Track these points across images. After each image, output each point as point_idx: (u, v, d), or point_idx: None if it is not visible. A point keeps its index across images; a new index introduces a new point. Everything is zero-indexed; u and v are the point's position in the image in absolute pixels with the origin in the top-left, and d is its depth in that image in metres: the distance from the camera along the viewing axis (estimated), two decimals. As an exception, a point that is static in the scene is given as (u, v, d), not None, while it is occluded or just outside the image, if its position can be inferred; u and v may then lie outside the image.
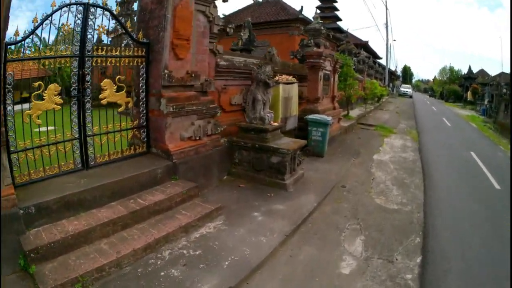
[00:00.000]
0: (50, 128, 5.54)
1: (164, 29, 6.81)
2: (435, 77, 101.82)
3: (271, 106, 9.56)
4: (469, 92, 53.37)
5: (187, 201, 6.43)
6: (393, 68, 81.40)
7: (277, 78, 10.42)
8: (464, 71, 68.42)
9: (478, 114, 36.81)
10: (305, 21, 21.84)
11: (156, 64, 6.98)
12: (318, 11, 14.50)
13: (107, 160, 6.42)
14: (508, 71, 40.90)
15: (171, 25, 6.88)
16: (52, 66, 5.64)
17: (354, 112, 23.33)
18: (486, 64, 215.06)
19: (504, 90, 32.21)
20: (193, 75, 7.44)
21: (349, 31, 42.73)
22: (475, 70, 61.85)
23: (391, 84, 67.80)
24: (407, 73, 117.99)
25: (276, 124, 9.03)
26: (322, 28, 14.36)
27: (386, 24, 57.45)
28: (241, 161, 8.75)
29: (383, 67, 58.86)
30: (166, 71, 6.86)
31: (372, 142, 15.32)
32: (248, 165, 8.65)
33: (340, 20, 37.06)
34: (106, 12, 6.17)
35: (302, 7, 20.35)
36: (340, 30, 35.89)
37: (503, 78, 39.41)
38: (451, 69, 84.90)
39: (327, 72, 14.15)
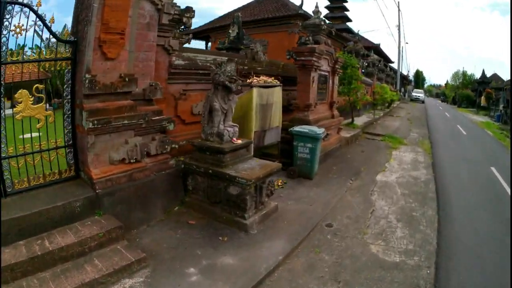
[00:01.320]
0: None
1: (89, 22, 5.21)
2: (447, 81, 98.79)
3: (242, 116, 7.78)
4: (482, 97, 50.28)
5: (107, 245, 4.92)
6: (405, 73, 78.84)
7: (249, 80, 8.20)
8: (477, 75, 65.42)
9: (492, 121, 34.09)
10: (306, 17, 19.24)
11: (80, 67, 5.43)
12: (318, 9, 11.95)
13: (27, 187, 5.22)
14: None
15: (99, 16, 5.24)
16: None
17: (361, 120, 20.74)
18: (500, 68, 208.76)
19: None
20: (127, 79, 5.68)
21: (360, 33, 40.72)
22: (488, 74, 58.68)
23: (402, 89, 65.19)
24: (419, 78, 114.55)
25: (239, 142, 6.68)
26: (323, 23, 11.99)
27: (398, 26, 54.25)
28: (195, 188, 6.67)
29: (395, 71, 55.88)
30: (87, 75, 5.25)
31: (378, 157, 12.68)
32: (203, 194, 6.56)
33: (350, 20, 34.82)
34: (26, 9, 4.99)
35: (302, 1, 17.71)
36: (349, 31, 33.49)
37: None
38: (464, 73, 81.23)
39: (323, 73, 11.74)
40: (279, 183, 8.49)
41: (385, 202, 8.20)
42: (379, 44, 47.72)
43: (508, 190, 9.85)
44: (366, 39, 45.01)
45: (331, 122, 12.01)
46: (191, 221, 6.14)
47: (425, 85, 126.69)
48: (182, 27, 7.48)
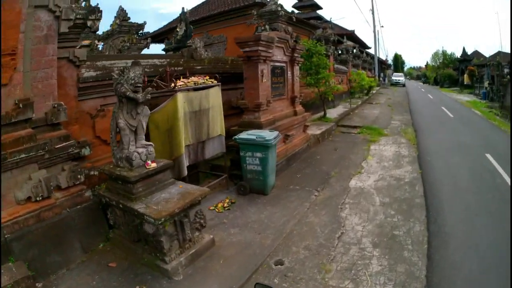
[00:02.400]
0: None
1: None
2: (427, 63, 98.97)
3: (169, 129, 6.58)
4: (465, 75, 49.36)
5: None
6: (383, 57, 78.96)
7: (172, 84, 6.74)
8: (458, 54, 65.11)
9: (478, 99, 32.90)
10: (264, 5, 17.62)
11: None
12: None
13: None
14: (507, 49, 37.03)
15: (-21, 38, 4.47)
16: None
17: (335, 111, 19.16)
18: (480, 45, 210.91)
19: (507, 70, 28.18)
20: (21, 105, 4.93)
21: (334, 21, 39.68)
22: (469, 52, 57.96)
23: (382, 74, 64.78)
24: (398, 61, 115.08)
25: (153, 165, 5.25)
26: (280, 9, 10.73)
27: (372, 9, 53.94)
28: (116, 223, 5.60)
29: (372, 57, 54.94)
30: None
31: (353, 155, 10.99)
32: (124, 230, 5.50)
33: (320, 8, 33.58)
34: None
35: (258, -13, 16.05)
36: (320, 19, 32.15)
37: (502, 57, 35.06)
38: (444, 53, 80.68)
39: (278, 64, 10.08)
40: (225, 204, 7.14)
41: (358, 218, 6.50)
42: (353, 31, 47.36)
43: (510, 182, 8.29)
44: (340, 27, 44.61)
45: (293, 121, 10.32)
46: (112, 264, 5.11)
47: (405, 68, 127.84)
48: (94, 31, 6.47)
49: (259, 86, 8.80)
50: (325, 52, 20.34)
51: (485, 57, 53.83)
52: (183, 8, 11.35)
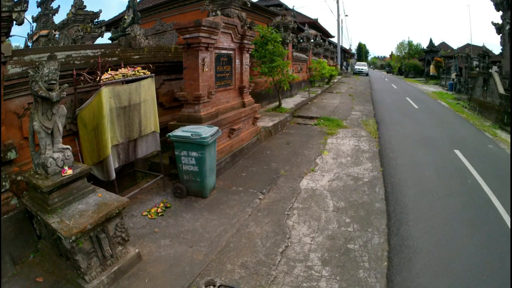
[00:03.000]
0: None
1: None
2: (392, 52, 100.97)
3: (95, 128, 5.93)
4: (431, 66, 51.00)
5: None
6: (347, 47, 79.83)
7: (98, 77, 6.04)
8: (424, 45, 66.77)
9: (445, 90, 33.75)
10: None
11: None
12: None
13: None
14: (478, 42, 38.10)
15: None
16: None
17: (293, 101, 18.52)
18: (447, 37, 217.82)
19: (477, 63, 28.68)
20: None
21: (297, 9, 39.53)
22: (436, 43, 59.31)
23: (345, 63, 65.69)
24: (362, 51, 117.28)
25: (69, 173, 4.70)
26: None
27: (337, -2, 53.56)
28: (42, 234, 5.24)
29: (335, 45, 55.38)
30: None
31: (307, 150, 10.30)
32: (50, 242, 5.01)
33: None
34: None
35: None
36: (281, 6, 31.52)
37: (472, 49, 35.80)
38: (410, 43, 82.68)
39: (225, 51, 9.28)
40: (159, 210, 6.45)
41: (307, 228, 5.76)
42: (316, 19, 47.99)
43: (482, 183, 7.84)
44: (303, 15, 45.46)
45: (240, 113, 9.50)
46: (39, 278, 4.73)
47: (369, 58, 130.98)
48: (20, 24, 5.60)
49: (199, 76, 7.98)
50: (282, 39, 19.80)
51: (452, 49, 55.21)
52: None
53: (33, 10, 20.49)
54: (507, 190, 7.25)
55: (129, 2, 10.94)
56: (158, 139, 7.25)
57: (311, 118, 14.95)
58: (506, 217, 6.28)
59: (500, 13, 19.54)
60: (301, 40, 29.30)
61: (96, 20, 13.45)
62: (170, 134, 6.91)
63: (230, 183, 7.69)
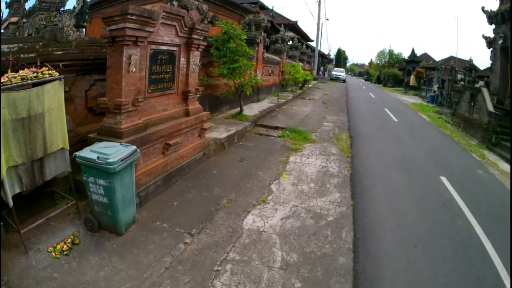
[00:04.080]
0: None
1: None
2: (371, 60, 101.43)
3: None
4: (412, 76, 50.87)
5: None
6: (326, 52, 79.16)
7: None
8: (405, 55, 67.38)
9: (425, 102, 33.24)
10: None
11: None
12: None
13: None
14: (461, 55, 37.94)
15: None
16: None
17: (259, 106, 16.91)
18: (430, 48, 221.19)
19: (462, 76, 27.95)
20: None
21: (276, 10, 38.31)
22: (417, 53, 59.63)
23: (322, 68, 64.95)
24: (341, 57, 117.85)
25: None
26: None
27: (319, 1, 52.44)
28: None
29: (313, 49, 54.46)
30: None
31: (262, 172, 8.61)
32: None
33: None
34: None
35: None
36: (261, 6, 30.02)
37: (456, 62, 35.11)
38: (391, 52, 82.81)
39: (164, 48, 7.55)
40: (65, 247, 5.11)
41: (239, 300, 4.06)
42: (296, 22, 47.20)
43: (475, 224, 6.43)
44: (282, 16, 44.50)
45: (179, 124, 7.80)
46: None
47: (348, 64, 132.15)
48: None
49: (123, 78, 6.27)
50: (252, 38, 18.25)
51: (434, 60, 55.91)
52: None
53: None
54: (506, 239, 5.80)
55: (79, -11, 9.95)
56: (67, 158, 5.77)
57: (276, 128, 13.30)
58: (505, 276, 4.81)
59: (493, 26, 18.78)
60: (275, 41, 27.83)
61: (62, 9, 12.93)
62: (76, 154, 5.35)
63: (156, 215, 6.01)
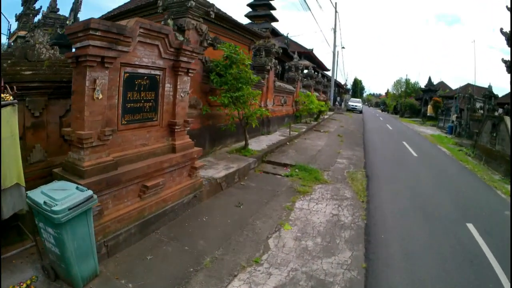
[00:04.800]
0: None
1: None
2: (388, 90, 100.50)
3: None
4: (429, 106, 49.58)
5: None
6: (342, 81, 78.32)
7: None
8: (422, 84, 65.89)
9: (443, 133, 31.90)
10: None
11: None
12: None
13: None
14: (479, 82, 36.47)
15: None
16: None
17: (268, 140, 15.86)
18: (446, 77, 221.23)
19: (481, 105, 26.57)
20: None
21: (292, 37, 37.73)
22: (434, 82, 58.30)
23: (338, 98, 64.00)
24: (357, 87, 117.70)
25: None
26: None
27: (334, 28, 52.05)
28: None
29: (329, 79, 54.31)
30: None
31: (260, 221, 7.34)
32: None
33: (276, 20, 30.75)
34: None
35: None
36: (275, 32, 29.30)
37: (474, 90, 33.52)
38: (407, 81, 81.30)
39: (144, 72, 6.43)
40: None
41: None
42: (312, 50, 46.92)
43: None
44: (298, 44, 44.47)
45: (161, 163, 6.68)
46: None
47: (364, 94, 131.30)
48: None
49: (85, 106, 5.24)
50: (262, 65, 17.28)
51: (451, 88, 54.30)
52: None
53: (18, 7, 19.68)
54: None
55: (73, 4, 9.42)
56: (24, 194, 4.89)
57: (284, 165, 12.07)
58: None
59: (513, 49, 17.52)
60: (289, 69, 26.85)
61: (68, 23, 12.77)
62: (28, 193, 4.52)
63: (124, 270, 4.94)
